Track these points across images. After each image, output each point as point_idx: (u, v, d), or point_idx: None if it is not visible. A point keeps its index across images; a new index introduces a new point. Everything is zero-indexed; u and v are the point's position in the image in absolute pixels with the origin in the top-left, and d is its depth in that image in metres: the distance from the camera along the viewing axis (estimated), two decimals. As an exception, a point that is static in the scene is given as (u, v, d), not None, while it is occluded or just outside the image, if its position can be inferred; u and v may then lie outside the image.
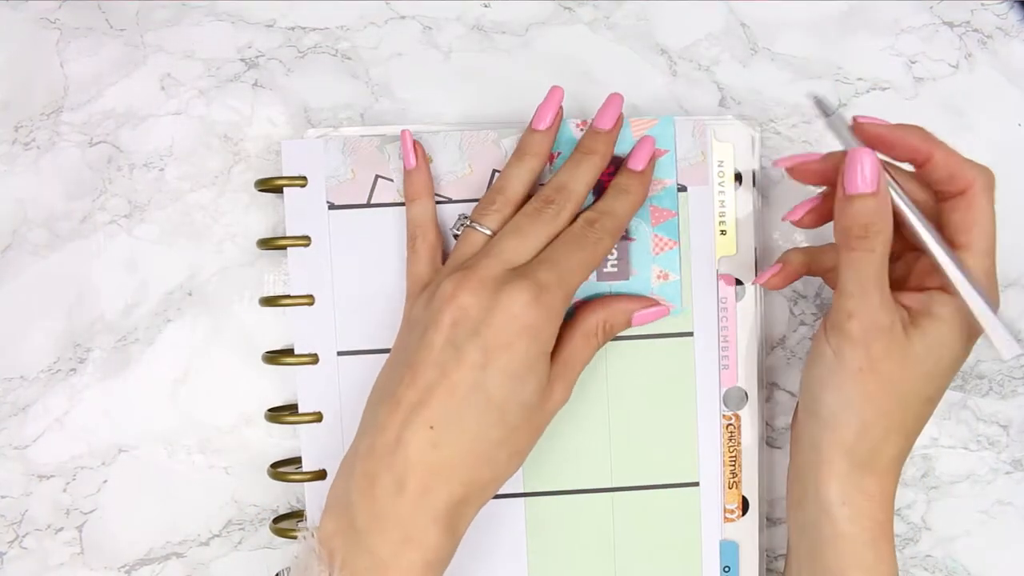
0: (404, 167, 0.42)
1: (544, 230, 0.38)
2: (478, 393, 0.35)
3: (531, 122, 0.41)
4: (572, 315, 0.41)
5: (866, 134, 0.37)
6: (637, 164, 0.41)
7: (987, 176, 0.36)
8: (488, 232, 0.39)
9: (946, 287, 0.36)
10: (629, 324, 0.42)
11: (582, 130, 0.42)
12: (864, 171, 0.35)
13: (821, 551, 0.38)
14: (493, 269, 0.37)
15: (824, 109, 0.38)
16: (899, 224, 0.36)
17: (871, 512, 0.37)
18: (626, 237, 0.43)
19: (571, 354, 0.39)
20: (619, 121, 0.41)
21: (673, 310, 0.43)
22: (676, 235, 0.43)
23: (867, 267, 0.35)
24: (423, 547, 0.35)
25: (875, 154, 0.35)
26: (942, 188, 0.37)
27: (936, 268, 0.36)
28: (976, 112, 0.46)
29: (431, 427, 0.35)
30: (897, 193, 0.36)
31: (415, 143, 0.42)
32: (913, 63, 0.46)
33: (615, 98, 0.41)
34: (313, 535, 0.37)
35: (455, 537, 0.36)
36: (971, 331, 0.36)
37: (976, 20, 0.46)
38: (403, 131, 0.42)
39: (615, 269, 0.43)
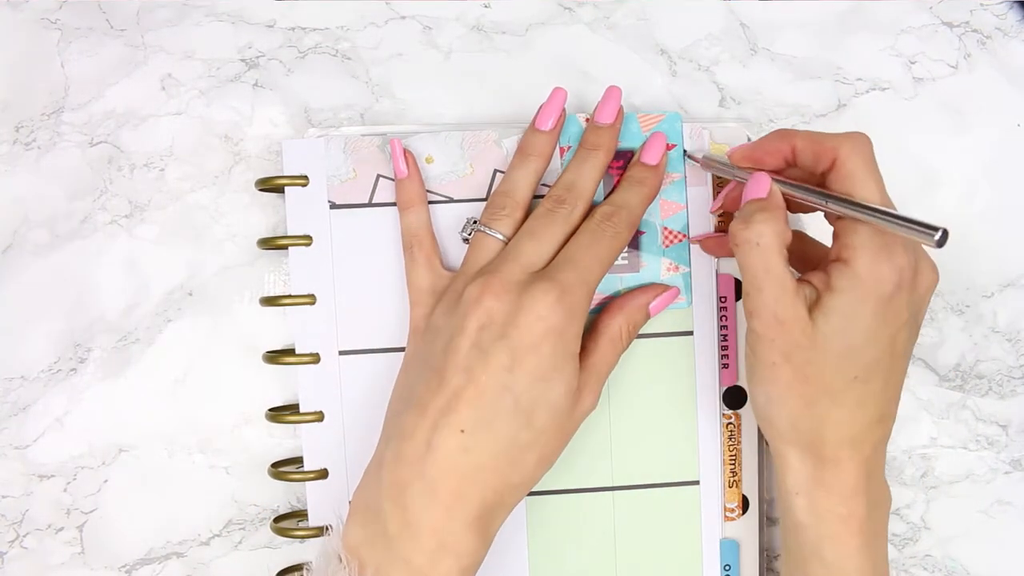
0: (395, 176, 0.42)
1: (559, 230, 0.39)
2: (506, 396, 0.35)
3: (533, 122, 0.41)
4: (592, 321, 0.41)
5: (741, 159, 0.39)
6: (651, 158, 0.41)
7: (852, 140, 0.36)
8: (500, 237, 0.39)
9: (841, 255, 0.35)
10: (648, 316, 0.42)
11: None
12: (756, 189, 0.36)
13: (788, 541, 0.38)
14: (515, 273, 0.37)
15: (694, 160, 0.42)
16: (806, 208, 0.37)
17: (829, 504, 0.36)
18: (636, 231, 0.43)
19: (598, 360, 0.39)
20: (620, 114, 0.41)
21: (682, 303, 0.43)
22: (686, 228, 0.43)
23: (753, 262, 0.35)
24: (458, 554, 0.35)
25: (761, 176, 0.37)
26: (817, 171, 0.37)
27: (835, 235, 0.36)
28: (975, 112, 0.46)
29: (461, 431, 0.35)
30: (780, 181, 0.37)
31: (405, 151, 0.42)
32: (913, 63, 0.46)
33: (614, 91, 0.41)
34: (337, 536, 0.37)
35: (487, 542, 0.36)
36: (876, 298, 0.35)
37: (975, 20, 0.46)
38: (392, 140, 0.42)
39: (625, 262, 0.43)
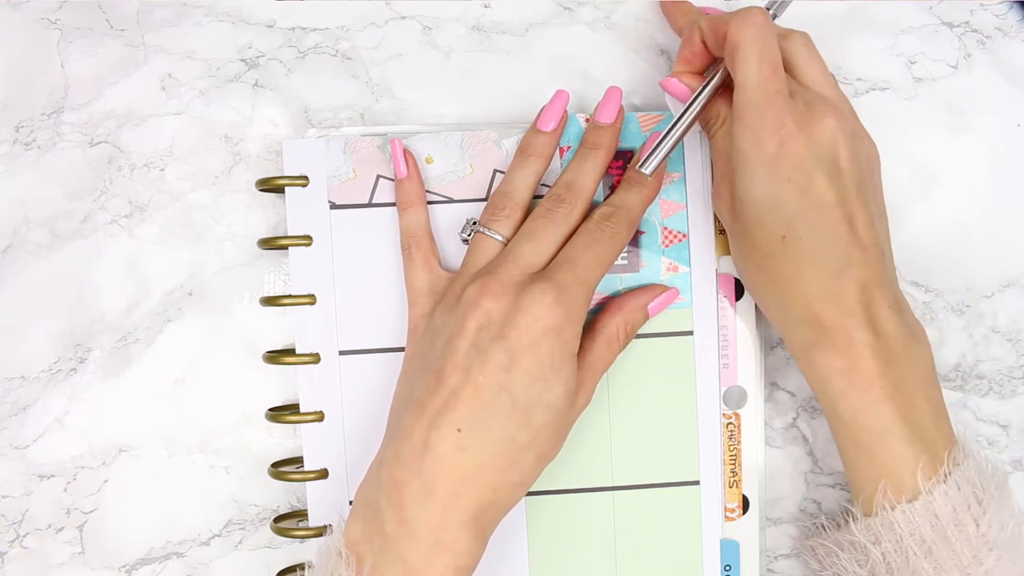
0: (395, 176, 0.42)
1: (558, 230, 0.39)
2: (503, 395, 0.35)
3: (535, 123, 0.41)
4: (591, 320, 0.41)
5: (681, 72, 0.41)
6: None
7: (741, 16, 0.37)
8: (500, 238, 0.39)
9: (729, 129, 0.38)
10: (647, 317, 0.42)
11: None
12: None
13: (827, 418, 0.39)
14: (514, 274, 0.37)
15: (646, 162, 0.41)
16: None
17: (825, 360, 0.37)
18: (636, 230, 0.43)
19: (595, 359, 0.39)
20: (620, 114, 0.41)
21: (682, 303, 0.43)
22: (685, 228, 0.43)
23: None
24: (454, 552, 0.35)
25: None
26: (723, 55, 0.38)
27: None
28: (976, 112, 0.46)
29: (458, 430, 0.35)
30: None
31: (405, 151, 0.42)
32: (913, 63, 0.46)
33: (614, 91, 0.41)
34: (338, 533, 0.37)
35: (483, 541, 0.36)
36: (760, 159, 0.37)
37: (975, 20, 0.46)
38: (392, 140, 0.42)
39: (625, 262, 0.43)
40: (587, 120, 0.42)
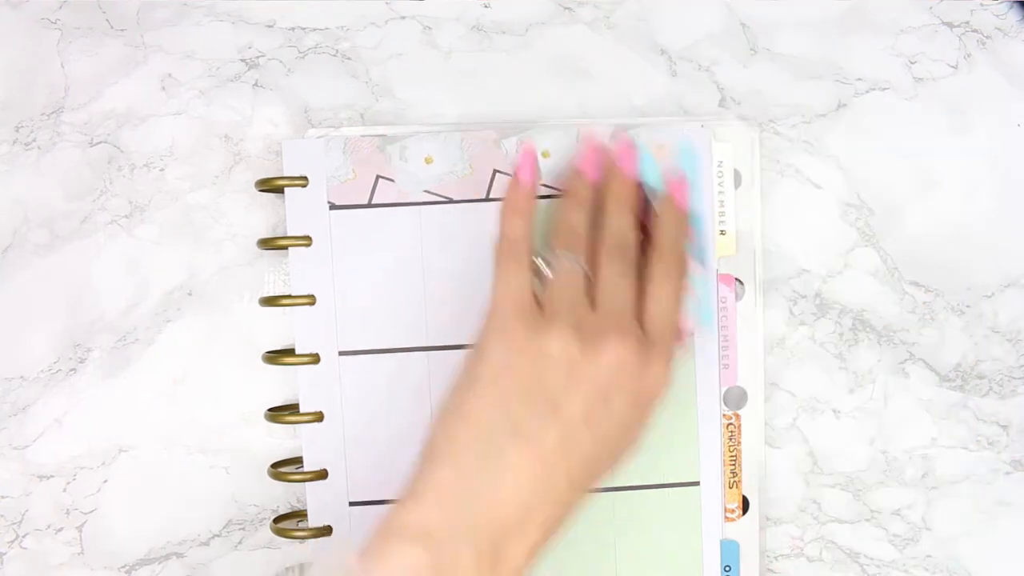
0: (517, 177, 0.41)
1: (632, 274, 0.39)
2: (609, 445, 0.37)
3: (577, 166, 0.41)
4: None
5: None
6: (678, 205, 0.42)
7: None
8: (582, 268, 0.39)
9: None
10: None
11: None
12: None
13: None
14: (632, 328, 0.37)
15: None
16: None
17: None
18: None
19: None
20: (601, 162, 0.41)
21: (705, 320, 0.44)
22: (702, 258, 0.43)
23: None
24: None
25: None
26: None
27: None
28: (976, 112, 0.46)
29: (568, 470, 0.36)
30: None
31: (535, 158, 0.42)
32: (913, 63, 0.46)
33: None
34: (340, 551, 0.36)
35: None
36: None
37: (975, 20, 0.46)
38: (527, 143, 0.42)
39: None
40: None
